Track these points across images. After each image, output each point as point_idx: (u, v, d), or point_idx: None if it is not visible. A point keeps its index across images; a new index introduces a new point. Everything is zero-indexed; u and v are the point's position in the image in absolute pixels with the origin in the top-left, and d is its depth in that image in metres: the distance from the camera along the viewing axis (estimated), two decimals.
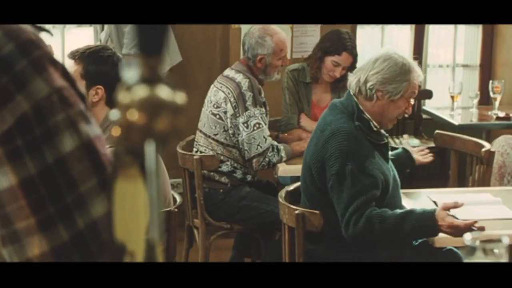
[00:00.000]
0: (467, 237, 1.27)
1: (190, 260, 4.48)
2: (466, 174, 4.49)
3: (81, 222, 1.00)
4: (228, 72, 4.44)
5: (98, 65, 2.94)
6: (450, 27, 6.85)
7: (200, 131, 4.44)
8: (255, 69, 4.40)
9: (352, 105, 3.22)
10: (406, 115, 3.39)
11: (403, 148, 3.71)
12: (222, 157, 4.34)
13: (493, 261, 1.27)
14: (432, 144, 4.73)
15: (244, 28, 5.13)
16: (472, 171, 4.30)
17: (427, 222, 3.02)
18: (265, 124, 4.31)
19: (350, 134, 3.14)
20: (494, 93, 5.70)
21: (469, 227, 2.93)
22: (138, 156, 0.71)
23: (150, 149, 0.71)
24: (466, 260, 1.28)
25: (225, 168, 4.34)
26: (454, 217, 3.00)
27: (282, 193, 3.34)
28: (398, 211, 3.11)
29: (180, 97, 0.71)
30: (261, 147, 4.25)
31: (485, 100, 6.21)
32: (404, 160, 3.65)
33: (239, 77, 4.33)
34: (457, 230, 2.95)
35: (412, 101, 3.28)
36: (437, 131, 4.65)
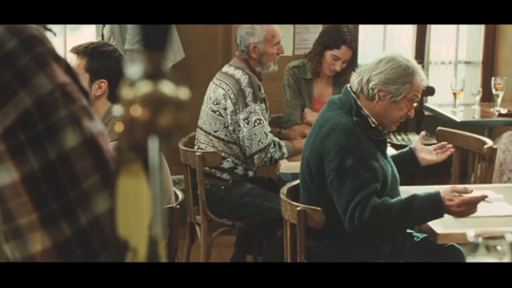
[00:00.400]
0: (470, 233, 1.27)
1: (192, 256, 4.47)
2: (468, 171, 4.48)
3: (84, 218, 1.00)
4: (227, 68, 4.44)
5: (102, 60, 2.95)
6: None
7: (201, 128, 4.43)
8: (251, 61, 4.39)
9: (350, 101, 3.22)
10: (409, 117, 3.37)
11: (410, 148, 3.66)
12: (223, 154, 4.33)
13: (496, 259, 1.26)
14: (434, 141, 4.72)
15: None
16: (474, 168, 4.30)
17: (432, 203, 3.03)
18: (266, 120, 4.30)
19: (348, 129, 3.15)
20: (496, 90, 5.70)
21: (480, 200, 3.00)
22: (141, 152, 0.71)
23: (153, 145, 0.71)
24: (469, 257, 1.28)
25: (226, 164, 4.33)
26: None
27: (284, 189, 3.34)
28: (401, 197, 3.14)
29: (183, 93, 0.71)
30: (262, 143, 4.25)
31: (487, 97, 6.20)
32: (407, 161, 3.61)
33: (238, 74, 4.32)
34: (469, 206, 2.99)
35: (414, 104, 3.28)
36: (439, 128, 4.65)
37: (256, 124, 4.23)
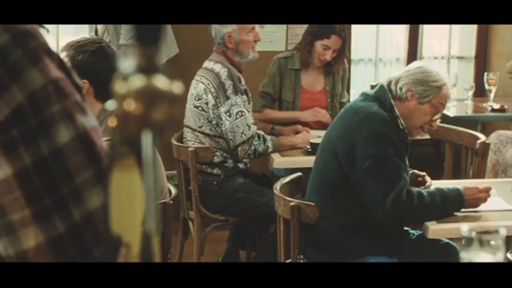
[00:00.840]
0: (464, 228, 1.27)
1: (185, 252, 4.47)
2: (461, 166, 4.49)
3: (77, 213, 1.00)
4: (206, 64, 4.43)
5: (83, 59, 2.92)
6: None
7: (187, 126, 4.42)
8: (228, 53, 4.37)
9: (386, 96, 3.28)
10: (431, 128, 3.42)
11: None
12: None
13: (490, 253, 1.26)
14: (427, 136, 4.73)
15: None
16: (467, 163, 4.31)
17: (454, 198, 3.16)
18: (248, 111, 4.28)
19: (385, 120, 3.20)
20: (489, 85, 5.71)
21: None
22: (134, 146, 0.71)
23: (147, 139, 0.71)
24: (462, 252, 1.28)
25: (215, 159, 4.32)
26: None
27: (277, 185, 3.34)
28: (427, 190, 3.23)
29: (177, 87, 0.70)
30: (245, 135, 4.22)
31: (480, 92, 6.21)
32: None
33: (217, 67, 4.31)
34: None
35: (438, 116, 3.34)
36: None
37: (238, 116, 4.21)
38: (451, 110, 5.62)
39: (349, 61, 6.52)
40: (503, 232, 1.26)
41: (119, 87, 0.70)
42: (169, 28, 5.42)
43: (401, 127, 3.25)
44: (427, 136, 4.73)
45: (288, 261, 3.23)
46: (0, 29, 1.00)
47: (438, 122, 3.39)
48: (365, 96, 3.33)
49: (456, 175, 4.52)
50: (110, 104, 0.72)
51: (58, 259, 1.00)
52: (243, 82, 4.32)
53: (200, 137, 4.34)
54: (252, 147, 4.24)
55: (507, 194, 3.47)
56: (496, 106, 5.62)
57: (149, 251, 0.73)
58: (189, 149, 4.21)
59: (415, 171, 3.53)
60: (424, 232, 3.17)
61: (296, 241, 3.15)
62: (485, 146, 4.13)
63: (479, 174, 4.09)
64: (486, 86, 5.74)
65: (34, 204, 0.99)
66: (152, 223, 0.73)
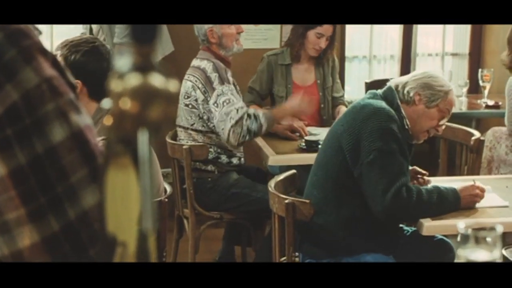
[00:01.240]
0: (460, 225, 1.27)
1: (180, 250, 4.47)
2: (455, 163, 4.49)
3: (72, 212, 1.00)
4: (193, 62, 4.43)
5: (76, 58, 2.90)
6: None
7: (179, 126, 4.41)
8: (213, 48, 4.36)
9: (393, 96, 3.31)
10: (437, 133, 3.44)
11: None
12: None
13: (486, 250, 1.26)
14: None
15: None
16: (462, 160, 4.31)
17: (451, 197, 3.19)
18: (236, 99, 4.21)
19: (391, 116, 3.21)
20: (483, 81, 5.71)
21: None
22: (130, 145, 0.71)
23: (142, 138, 0.70)
24: (459, 249, 1.27)
25: (209, 155, 4.32)
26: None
27: (272, 182, 3.34)
28: (425, 187, 3.25)
29: (173, 85, 0.70)
30: (233, 118, 4.12)
31: (474, 88, 6.22)
32: None
33: (203, 64, 4.31)
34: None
35: (443, 121, 3.35)
36: None
37: (225, 104, 4.17)
38: None
39: (344, 58, 6.53)
40: (500, 229, 1.26)
41: (114, 85, 0.70)
42: (164, 26, 5.41)
43: (406, 127, 3.26)
44: None
45: (283, 258, 3.23)
46: None
47: (443, 128, 3.41)
48: (372, 95, 3.35)
49: (450, 172, 4.52)
50: (106, 103, 0.72)
51: (53, 258, 0.99)
52: (230, 73, 4.30)
53: (193, 135, 4.34)
54: (245, 128, 4.11)
55: (502, 190, 3.47)
56: (491, 102, 5.63)
57: (145, 250, 0.73)
58: (184, 147, 4.20)
59: (416, 167, 3.53)
60: (418, 228, 3.18)
61: (291, 238, 3.15)
62: (480, 142, 4.14)
63: (474, 171, 4.09)
64: (481, 83, 5.74)
65: (29, 203, 0.98)
66: (148, 222, 0.72)
